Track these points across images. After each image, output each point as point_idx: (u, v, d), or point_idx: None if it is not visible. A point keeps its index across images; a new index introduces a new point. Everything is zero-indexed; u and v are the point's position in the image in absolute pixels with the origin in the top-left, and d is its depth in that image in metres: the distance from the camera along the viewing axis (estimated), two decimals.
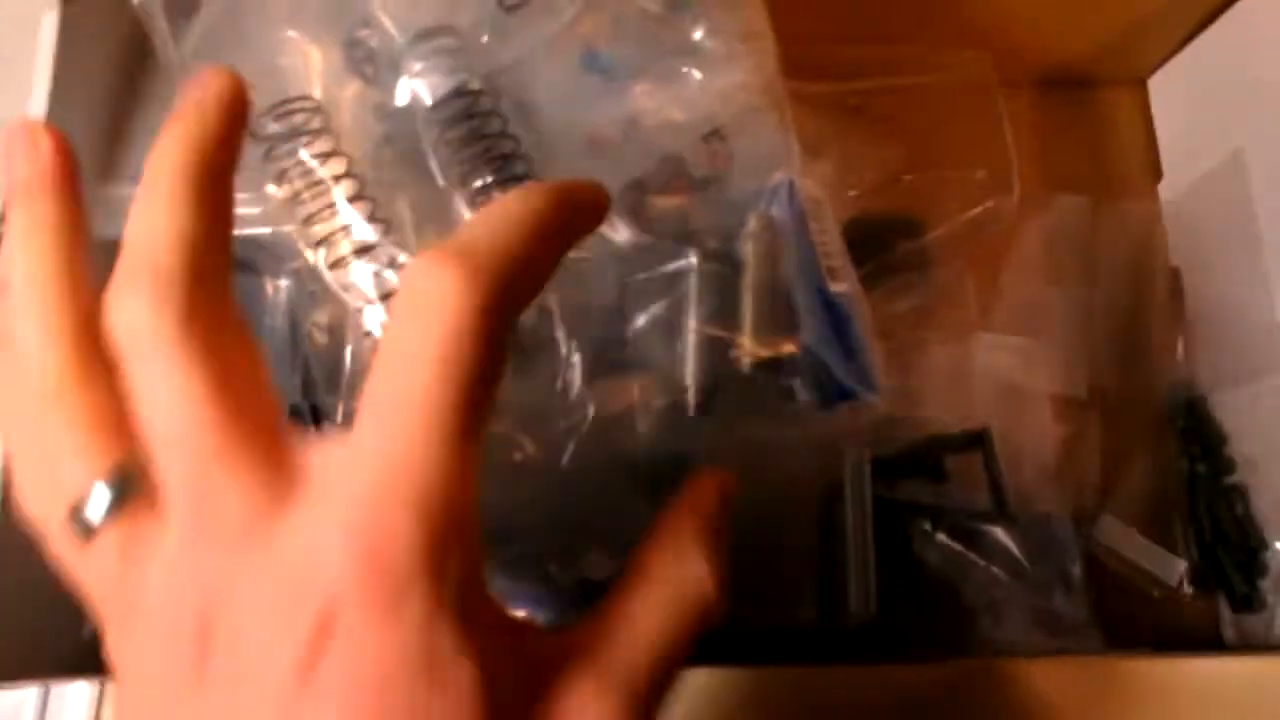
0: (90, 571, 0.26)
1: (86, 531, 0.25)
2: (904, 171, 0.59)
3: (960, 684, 0.47)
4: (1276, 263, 0.57)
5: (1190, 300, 0.65)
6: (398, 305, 0.24)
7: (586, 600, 0.47)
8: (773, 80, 0.43)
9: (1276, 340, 0.57)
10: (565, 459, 0.39)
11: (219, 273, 0.26)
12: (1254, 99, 0.60)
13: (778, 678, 0.45)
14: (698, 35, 0.41)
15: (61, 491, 0.25)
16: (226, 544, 0.23)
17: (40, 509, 0.26)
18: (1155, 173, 0.69)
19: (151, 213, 0.25)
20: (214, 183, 0.26)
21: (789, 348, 0.40)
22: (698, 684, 0.44)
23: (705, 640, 0.47)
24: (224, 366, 0.24)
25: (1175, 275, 0.66)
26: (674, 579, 0.29)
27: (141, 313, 0.24)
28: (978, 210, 0.58)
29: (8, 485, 0.41)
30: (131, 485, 0.25)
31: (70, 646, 0.45)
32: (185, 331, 0.24)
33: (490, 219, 0.25)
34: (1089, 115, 0.71)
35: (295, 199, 0.38)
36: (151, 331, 0.24)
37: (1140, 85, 0.71)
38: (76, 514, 0.25)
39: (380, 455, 0.23)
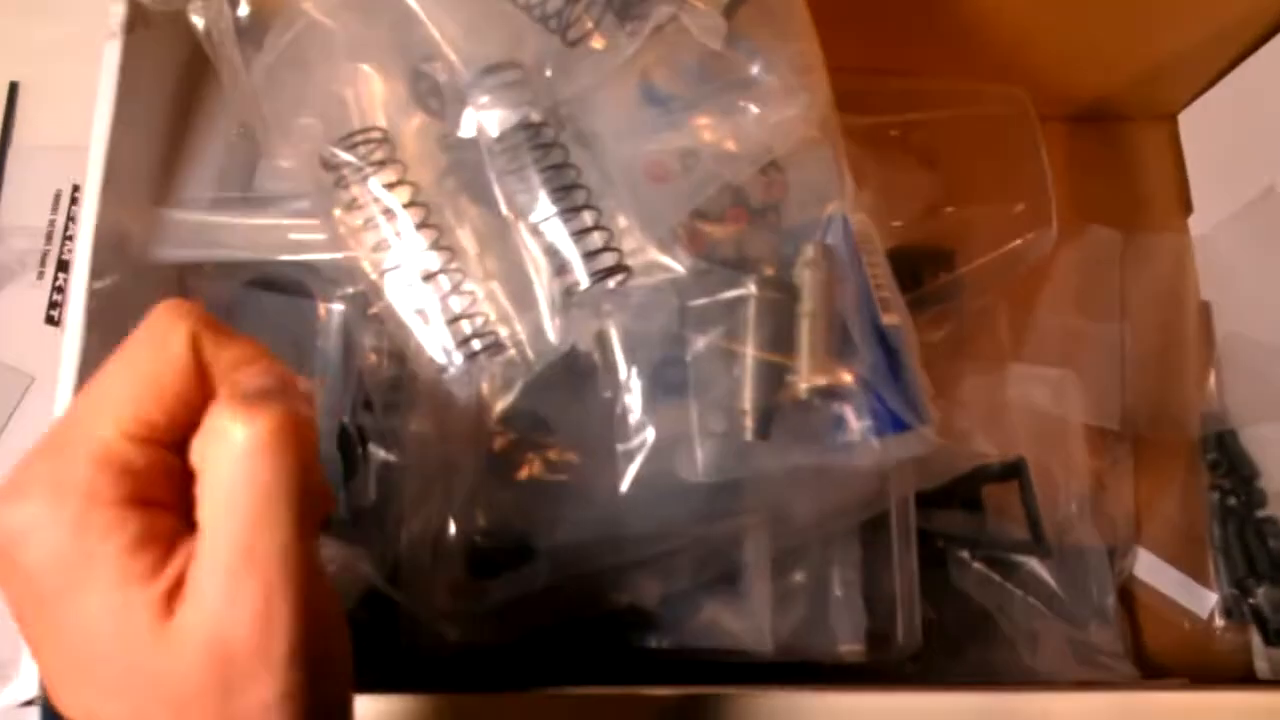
0: None
1: None
2: (943, 203, 0.59)
3: (996, 714, 0.48)
4: None
5: (1220, 334, 0.66)
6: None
7: (637, 627, 0.47)
8: (827, 114, 0.43)
9: None
10: (625, 484, 0.39)
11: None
12: None
13: (817, 704, 0.45)
14: (754, 70, 0.42)
15: None
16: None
17: None
18: (1185, 207, 0.70)
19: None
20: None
21: (845, 376, 0.41)
22: (743, 711, 0.44)
23: (751, 668, 0.47)
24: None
25: (1205, 309, 0.67)
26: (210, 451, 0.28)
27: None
28: (1016, 243, 0.58)
29: None
30: None
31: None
32: None
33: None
34: (1120, 150, 0.72)
35: (366, 226, 0.38)
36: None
37: (1171, 120, 0.72)
38: None
39: None
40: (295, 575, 0.27)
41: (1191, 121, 0.71)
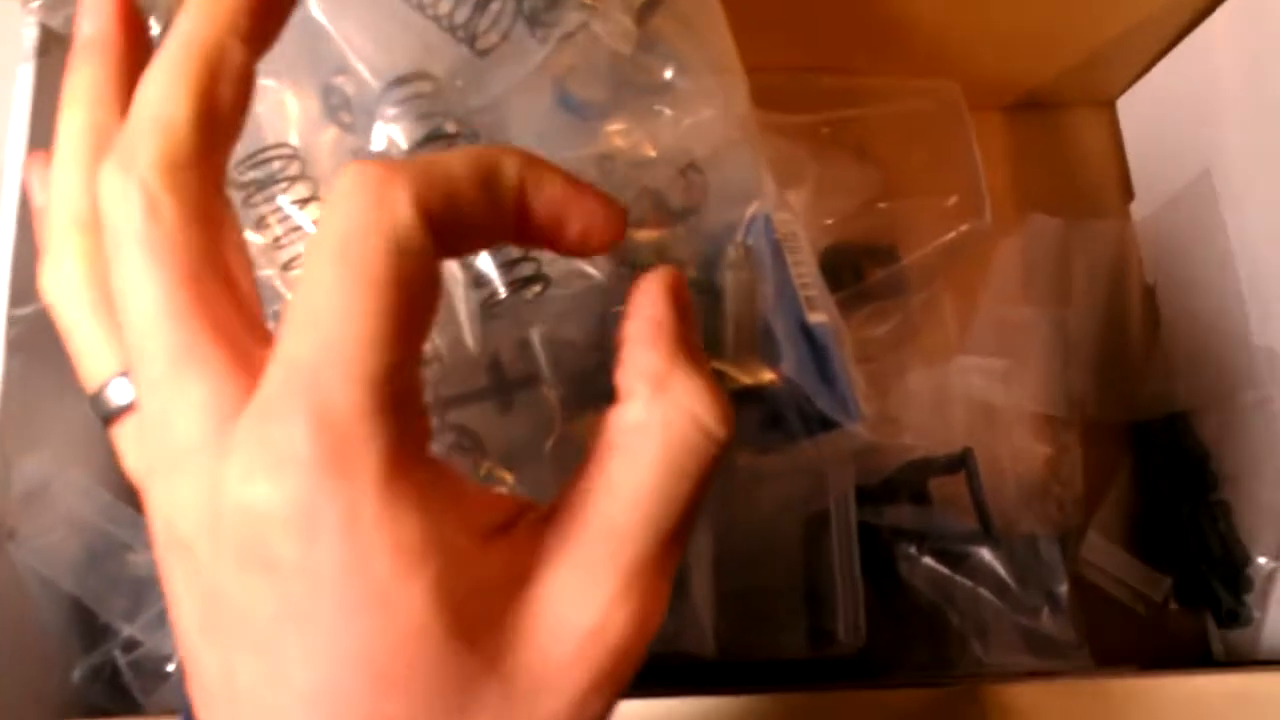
0: (121, 456, 0.26)
1: (105, 420, 0.25)
2: (877, 199, 0.60)
3: (949, 708, 0.48)
4: (1249, 279, 0.58)
5: (1166, 318, 0.66)
6: (328, 199, 0.22)
7: None
8: (745, 114, 0.43)
9: (1252, 356, 0.57)
10: (551, 492, 0.39)
11: (209, 160, 0.24)
12: (1221, 118, 0.61)
13: (766, 705, 0.45)
14: (668, 74, 0.42)
15: (87, 375, 0.26)
16: (176, 467, 0.22)
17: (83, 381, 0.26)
18: (1126, 192, 0.70)
19: (155, 90, 0.24)
20: (230, 69, 0.24)
21: (770, 376, 0.41)
22: (685, 714, 0.44)
23: (693, 669, 0.47)
24: (198, 260, 0.23)
25: (1149, 293, 0.67)
26: (652, 418, 0.24)
27: (115, 195, 0.23)
28: (951, 235, 0.58)
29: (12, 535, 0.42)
30: None
31: (57, 690, 0.45)
32: (155, 221, 0.23)
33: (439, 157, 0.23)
34: (1059, 138, 0.72)
35: (275, 244, 0.38)
36: (125, 216, 0.23)
37: (1109, 107, 0.72)
38: (96, 402, 0.25)
39: (314, 328, 0.21)
40: (663, 604, 0.24)
41: (1130, 107, 0.71)
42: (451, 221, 0.22)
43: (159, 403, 0.23)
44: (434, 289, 0.22)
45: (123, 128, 0.24)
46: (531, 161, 0.24)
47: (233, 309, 0.23)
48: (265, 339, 0.23)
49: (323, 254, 0.21)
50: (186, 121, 0.23)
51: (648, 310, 0.25)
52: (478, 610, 0.22)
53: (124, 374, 0.25)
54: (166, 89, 0.23)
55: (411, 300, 0.21)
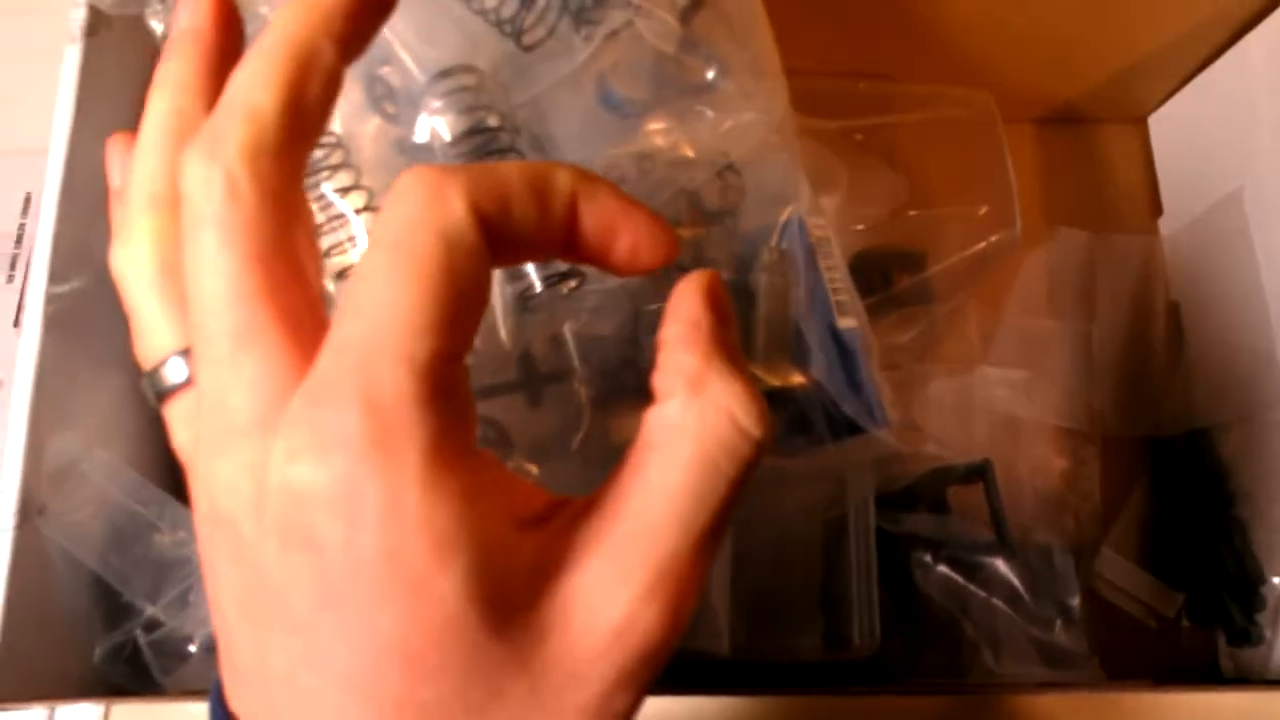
0: (171, 433, 0.26)
1: (159, 397, 0.26)
2: (908, 206, 0.60)
3: (960, 716, 0.48)
4: (1275, 298, 0.58)
5: (1190, 335, 0.66)
6: (387, 199, 0.23)
7: None
8: (784, 119, 0.43)
9: (1275, 375, 0.57)
10: (577, 488, 0.39)
11: (291, 152, 0.24)
12: (1253, 137, 0.61)
13: (781, 707, 0.46)
14: (710, 75, 0.42)
15: (146, 351, 0.27)
16: (226, 444, 0.23)
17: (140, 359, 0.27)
18: (1155, 209, 0.70)
19: (246, 80, 0.24)
20: (320, 67, 0.25)
21: (798, 379, 0.41)
22: (699, 712, 0.44)
23: (706, 668, 0.47)
24: (271, 245, 0.23)
25: (1174, 310, 0.67)
26: (689, 418, 0.24)
27: (198, 177, 0.23)
28: (981, 245, 0.58)
29: (25, 507, 0.42)
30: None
31: (78, 668, 0.46)
32: (234, 204, 0.23)
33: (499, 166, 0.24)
34: (1090, 152, 0.72)
35: (317, 230, 0.38)
36: (205, 198, 0.23)
37: (1140, 123, 0.72)
38: (153, 378, 0.26)
39: (365, 315, 0.22)
40: (692, 603, 0.24)
41: (1161, 124, 0.71)
42: (503, 225, 0.23)
43: (217, 380, 0.23)
44: (483, 287, 0.23)
45: (210, 115, 0.24)
46: (585, 176, 0.25)
47: (298, 295, 0.24)
48: (325, 326, 0.24)
49: (378, 246, 0.22)
50: (273, 112, 0.24)
51: (684, 312, 0.26)
52: (510, 601, 0.22)
53: (181, 353, 0.26)
54: (257, 80, 0.24)
55: (460, 294, 0.22)
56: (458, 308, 0.22)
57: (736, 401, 0.24)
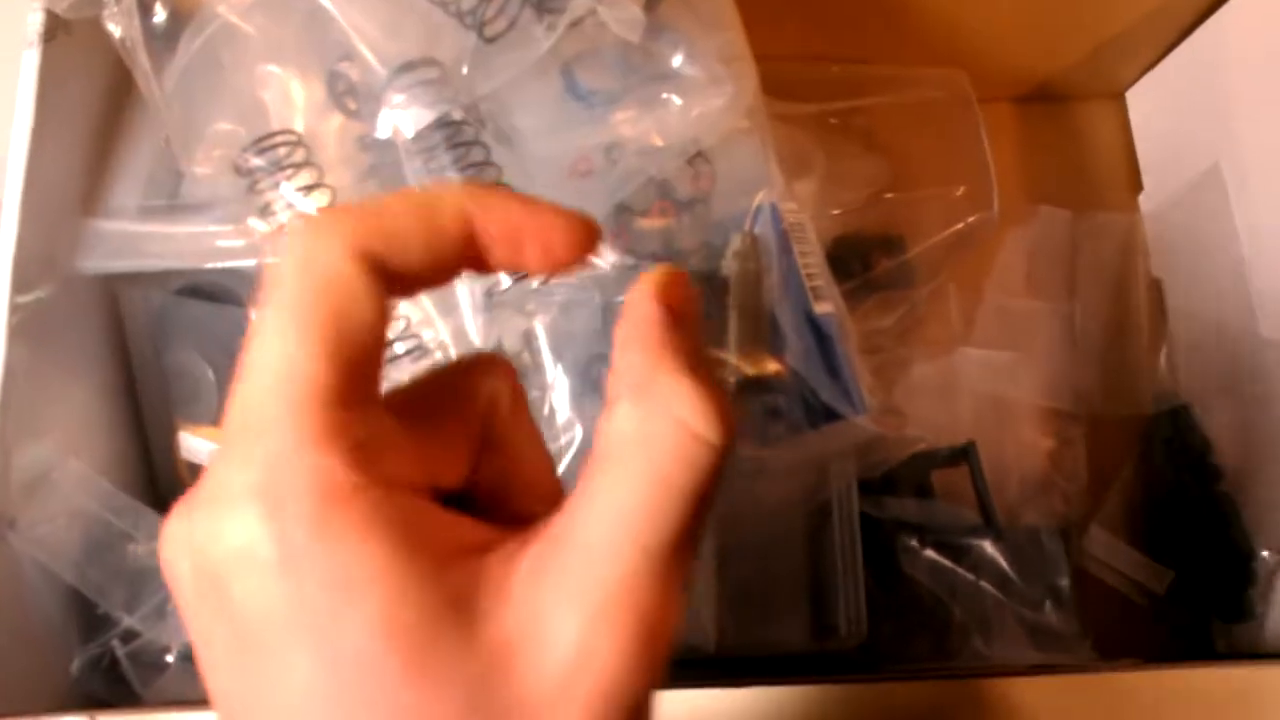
0: None
1: None
2: (885, 189, 0.59)
3: (951, 701, 0.47)
4: (1256, 273, 0.58)
5: (1172, 311, 0.66)
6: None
7: None
8: (754, 103, 0.43)
9: (1257, 349, 0.57)
10: None
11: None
12: (1230, 110, 0.60)
13: (768, 697, 0.45)
14: (676, 62, 0.42)
15: None
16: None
17: None
18: (1135, 185, 0.70)
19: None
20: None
21: (775, 367, 0.41)
22: (687, 705, 0.44)
23: (695, 661, 0.47)
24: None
25: (1156, 286, 0.67)
26: (634, 426, 0.22)
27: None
28: (959, 226, 0.58)
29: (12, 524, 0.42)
30: None
31: (56, 682, 0.45)
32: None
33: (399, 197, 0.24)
34: (1068, 129, 0.72)
35: (279, 231, 0.38)
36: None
37: (1118, 99, 0.72)
38: None
39: (253, 368, 0.22)
40: (664, 628, 0.22)
41: (1139, 99, 0.70)
42: (392, 257, 0.22)
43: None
44: (372, 323, 0.22)
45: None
46: (475, 191, 0.24)
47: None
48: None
49: (265, 300, 0.22)
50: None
51: (633, 310, 0.24)
52: (444, 643, 0.21)
53: None
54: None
55: (344, 333, 0.22)
56: (341, 347, 0.21)
57: (688, 406, 0.22)
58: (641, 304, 0.24)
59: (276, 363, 0.21)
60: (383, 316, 0.22)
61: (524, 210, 0.24)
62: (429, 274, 0.23)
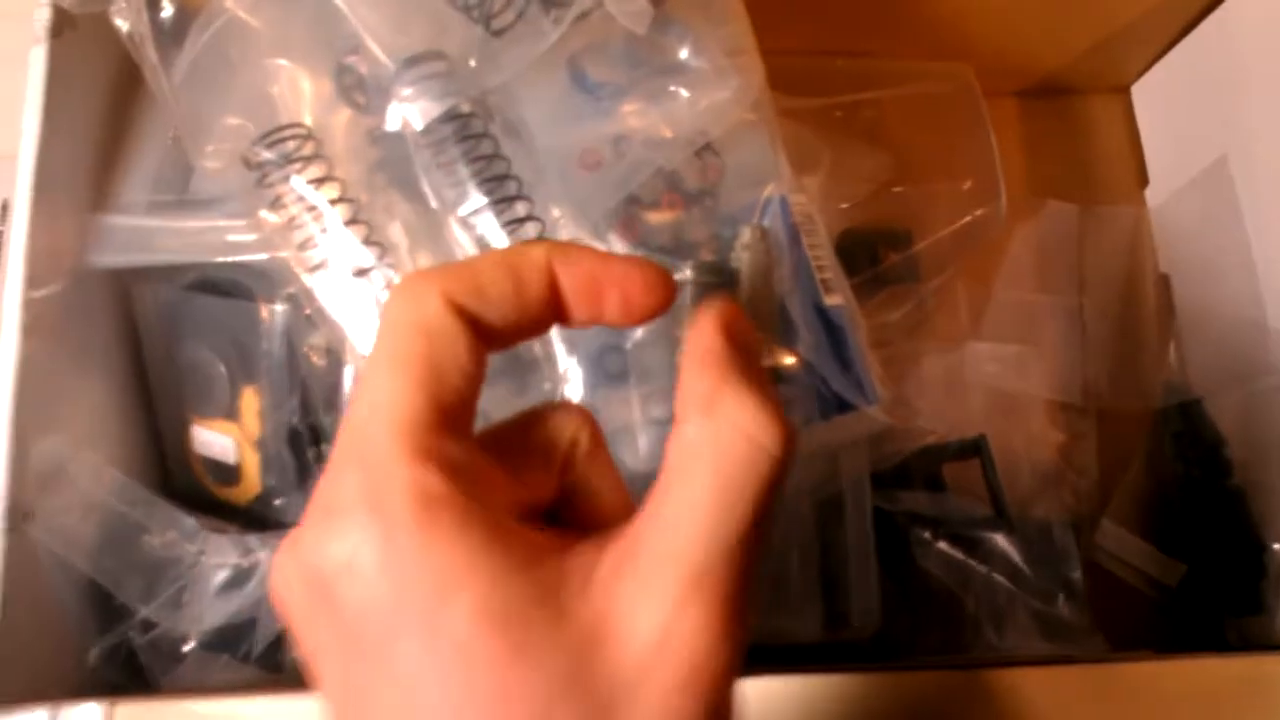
0: None
1: None
2: (892, 183, 0.59)
3: (963, 692, 0.47)
4: (1264, 265, 0.57)
5: (1180, 304, 0.65)
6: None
7: None
8: (761, 96, 0.43)
9: (1267, 342, 0.57)
10: None
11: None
12: (1236, 103, 0.60)
13: (782, 687, 0.45)
14: (683, 54, 0.42)
15: None
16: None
17: None
18: (1141, 179, 0.70)
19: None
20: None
21: (786, 358, 0.41)
22: None
23: None
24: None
25: (1164, 280, 0.67)
26: (703, 439, 0.25)
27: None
28: (966, 220, 0.58)
29: (13, 512, 0.42)
30: None
31: (74, 671, 0.45)
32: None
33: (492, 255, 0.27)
34: (1074, 123, 0.72)
35: (290, 225, 0.38)
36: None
37: (1124, 92, 0.72)
38: None
39: (361, 400, 0.25)
40: (738, 612, 0.24)
41: (1145, 93, 0.70)
42: (482, 308, 0.25)
43: None
44: (465, 364, 0.25)
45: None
46: (558, 245, 0.26)
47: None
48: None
49: (373, 341, 0.25)
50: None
51: (698, 341, 0.27)
52: (536, 627, 0.23)
53: None
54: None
55: (438, 374, 0.24)
56: (436, 386, 0.24)
57: (752, 419, 0.24)
58: (706, 333, 0.27)
59: (378, 396, 0.24)
60: (475, 363, 0.25)
61: (601, 263, 0.27)
62: (518, 326, 0.26)
